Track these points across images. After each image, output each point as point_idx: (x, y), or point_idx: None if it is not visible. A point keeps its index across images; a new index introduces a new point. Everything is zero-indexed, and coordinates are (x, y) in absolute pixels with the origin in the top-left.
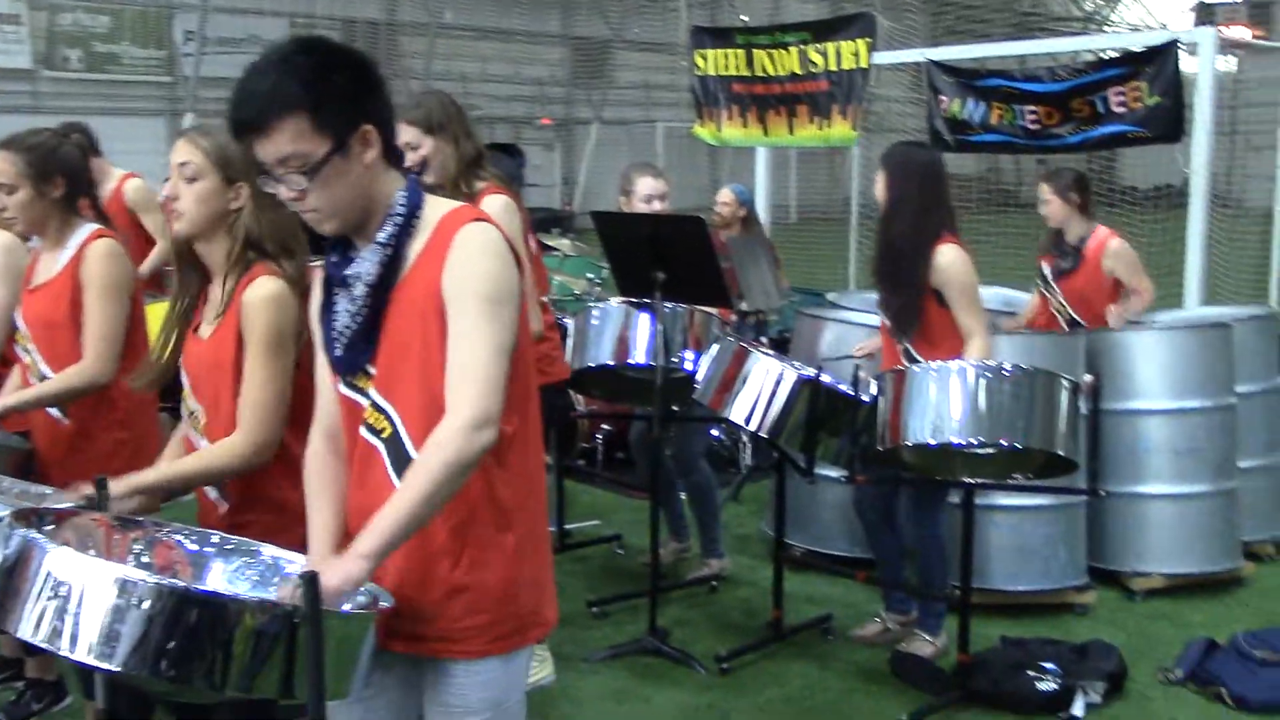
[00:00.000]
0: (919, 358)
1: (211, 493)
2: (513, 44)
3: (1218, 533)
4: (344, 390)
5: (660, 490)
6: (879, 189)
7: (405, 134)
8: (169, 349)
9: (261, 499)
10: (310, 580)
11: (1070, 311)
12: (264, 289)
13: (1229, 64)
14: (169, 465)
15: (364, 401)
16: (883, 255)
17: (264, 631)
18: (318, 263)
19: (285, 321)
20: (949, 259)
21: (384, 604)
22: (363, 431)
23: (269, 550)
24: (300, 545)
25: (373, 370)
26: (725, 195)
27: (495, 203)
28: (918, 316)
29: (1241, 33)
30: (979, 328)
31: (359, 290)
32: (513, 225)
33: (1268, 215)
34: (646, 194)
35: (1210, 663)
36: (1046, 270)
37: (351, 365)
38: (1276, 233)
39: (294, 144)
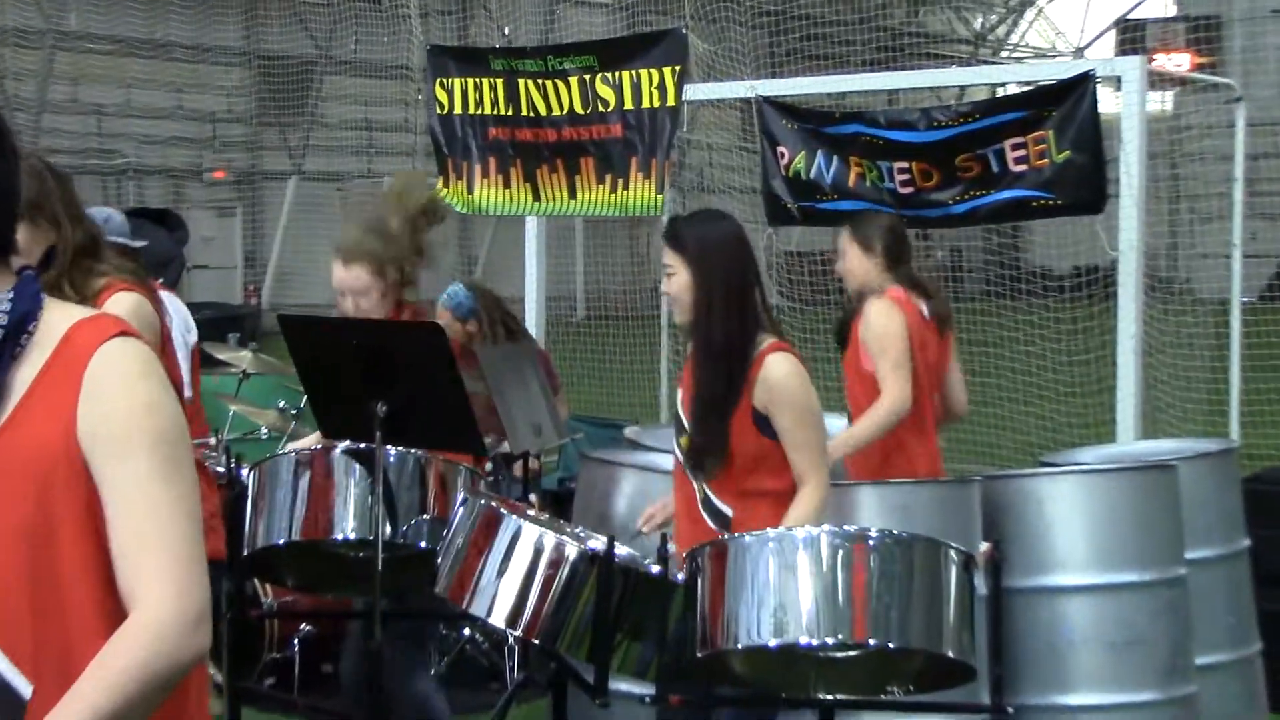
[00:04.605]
0: (723, 507)
1: None
2: (172, 62)
3: None
4: None
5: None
6: (675, 284)
7: None
8: None
9: None
10: None
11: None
12: None
13: (1165, 103)
14: None
15: None
16: (698, 368)
17: None
18: None
19: None
20: (782, 372)
21: None
22: None
23: None
24: None
25: None
26: (437, 308)
27: (123, 302)
28: (725, 446)
29: (1180, 60)
30: (814, 470)
31: None
32: (150, 338)
33: (1223, 307)
34: (336, 288)
35: None
36: None
37: None
38: (1234, 333)
39: None
